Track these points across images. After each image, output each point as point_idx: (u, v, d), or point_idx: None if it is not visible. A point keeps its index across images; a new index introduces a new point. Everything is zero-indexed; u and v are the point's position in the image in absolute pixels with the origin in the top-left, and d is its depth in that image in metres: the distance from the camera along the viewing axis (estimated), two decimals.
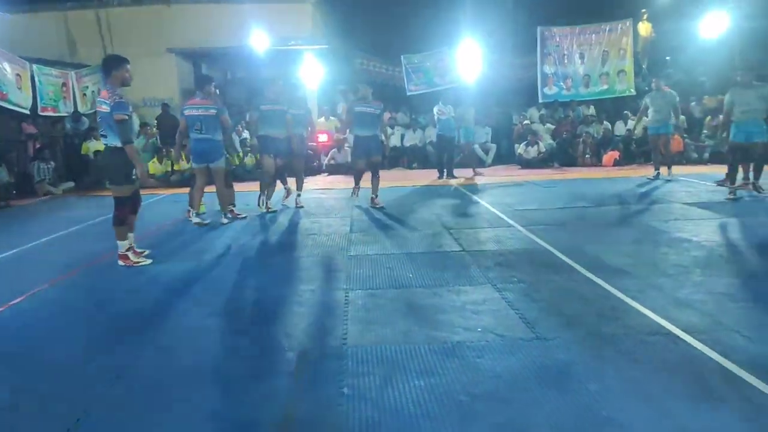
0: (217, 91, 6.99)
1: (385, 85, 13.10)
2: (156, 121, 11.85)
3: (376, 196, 7.34)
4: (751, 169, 7.09)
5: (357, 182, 7.61)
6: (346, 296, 3.78)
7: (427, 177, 10.63)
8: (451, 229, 5.78)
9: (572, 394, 2.39)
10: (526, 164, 11.81)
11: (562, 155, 12.04)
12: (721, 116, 7.50)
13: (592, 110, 13.16)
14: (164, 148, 10.94)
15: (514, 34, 14.19)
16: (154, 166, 10.66)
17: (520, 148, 12.15)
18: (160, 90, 12.64)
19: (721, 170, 7.71)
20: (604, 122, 12.64)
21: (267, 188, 7.14)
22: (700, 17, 12.82)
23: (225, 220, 6.43)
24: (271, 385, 2.59)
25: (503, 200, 7.37)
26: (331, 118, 13.15)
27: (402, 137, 13.43)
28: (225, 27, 12.66)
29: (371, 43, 14.16)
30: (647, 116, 9.10)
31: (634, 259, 4.39)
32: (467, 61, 12.62)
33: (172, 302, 3.86)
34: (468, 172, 10.58)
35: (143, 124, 11.38)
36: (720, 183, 7.77)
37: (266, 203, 7.12)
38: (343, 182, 9.71)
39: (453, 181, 10.02)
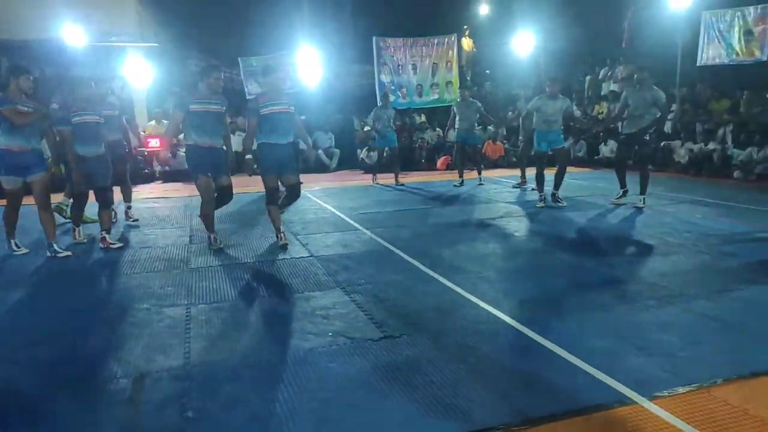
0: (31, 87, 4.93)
1: (222, 89, 12.58)
2: None
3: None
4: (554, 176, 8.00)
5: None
6: (187, 312, 3.53)
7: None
8: (298, 235, 5.74)
9: (419, 388, 2.51)
10: (369, 169, 12.19)
11: (402, 160, 12.65)
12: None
13: (423, 118, 14.06)
14: None
15: (353, 43, 14.57)
16: None
17: (362, 153, 12.52)
18: None
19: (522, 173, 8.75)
20: (437, 129, 13.58)
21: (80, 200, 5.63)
22: (512, 36, 14.43)
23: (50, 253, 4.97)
24: (104, 416, 2.32)
25: (348, 204, 7.52)
26: (164, 121, 12.26)
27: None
28: (31, 17, 11.12)
29: (206, 43, 13.51)
30: (456, 125, 9.19)
31: (467, 255, 4.76)
32: (307, 67, 12.67)
33: None
34: (313, 177, 10.60)
35: None
36: (517, 185, 8.92)
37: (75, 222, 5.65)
38: (180, 190, 9.11)
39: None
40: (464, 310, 3.48)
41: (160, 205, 7.91)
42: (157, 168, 11.43)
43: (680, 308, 3.41)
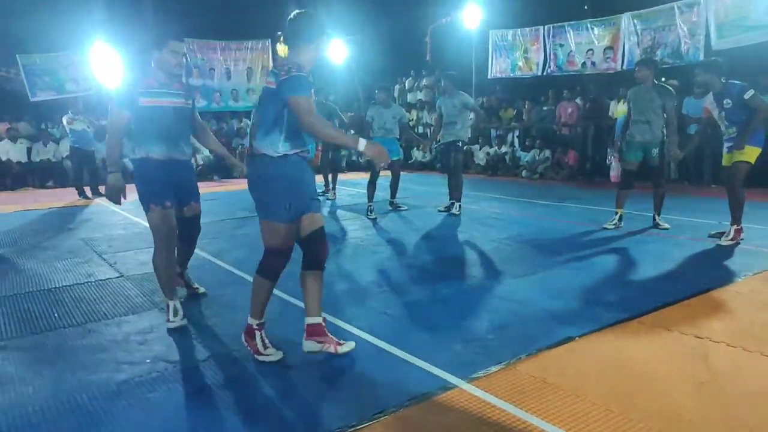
0: None
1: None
2: None
3: None
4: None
5: None
6: None
7: (66, 197, 9.21)
8: (105, 254, 5.14)
9: (251, 404, 2.41)
10: None
11: (221, 168, 12.13)
12: None
13: (243, 123, 13.65)
14: None
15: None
16: None
17: None
18: None
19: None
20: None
21: None
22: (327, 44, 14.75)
23: None
24: None
25: None
26: None
27: (29, 151, 11.31)
28: None
29: None
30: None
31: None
32: (104, 66, 11.44)
33: None
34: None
35: None
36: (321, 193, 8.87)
37: None
38: None
39: (100, 200, 8.96)
40: (291, 316, 3.45)
41: None
42: None
43: (489, 294, 3.80)
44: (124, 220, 6.92)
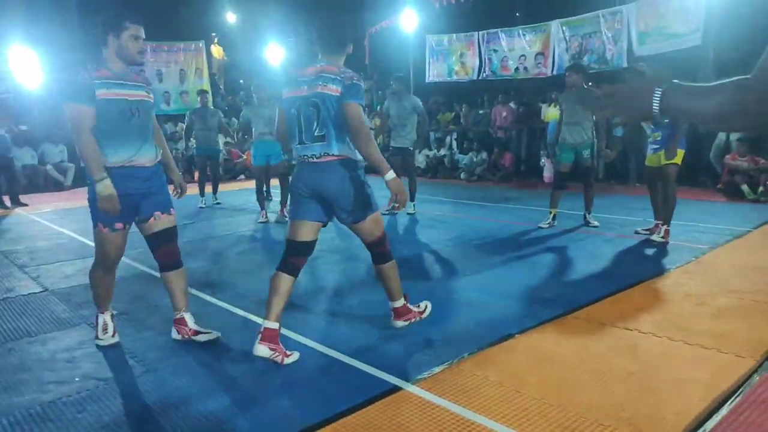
0: None
1: None
2: None
3: None
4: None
5: None
6: None
7: None
8: (26, 267, 4.82)
9: (190, 420, 2.32)
10: None
11: None
12: None
13: (177, 127, 13.19)
14: None
15: (82, 45, 12.91)
16: None
17: None
18: None
19: None
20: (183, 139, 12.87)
21: None
22: (264, 47, 14.55)
23: None
24: None
25: (89, 226, 6.57)
26: None
27: None
28: None
29: None
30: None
31: (228, 268, 4.60)
32: (23, 70, 10.78)
33: None
34: (43, 197, 9.03)
35: None
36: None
37: None
38: None
39: (20, 209, 8.41)
40: (229, 324, 3.35)
41: None
42: None
43: (432, 295, 3.84)
44: (46, 230, 6.51)
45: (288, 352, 2.79)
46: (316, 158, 2.73)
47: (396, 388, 2.50)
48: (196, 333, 3.09)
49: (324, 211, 2.85)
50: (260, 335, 2.77)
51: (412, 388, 2.50)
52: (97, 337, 3.09)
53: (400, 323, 3.15)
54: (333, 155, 2.73)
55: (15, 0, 12.22)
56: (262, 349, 2.75)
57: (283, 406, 2.43)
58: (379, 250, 2.99)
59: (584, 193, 6.10)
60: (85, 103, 2.67)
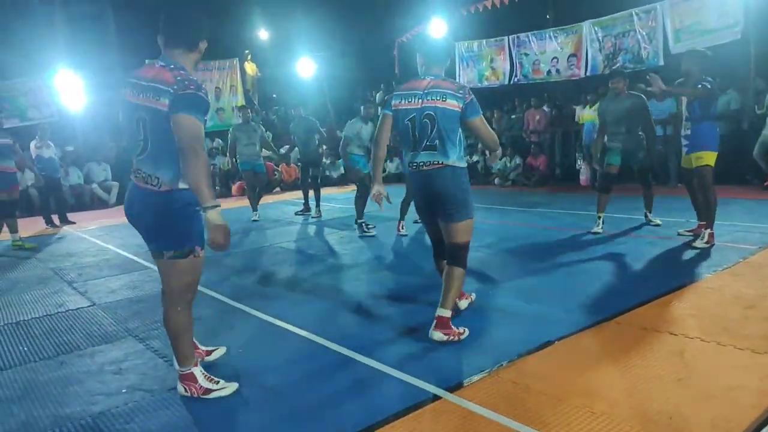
0: None
1: None
2: None
3: None
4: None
5: None
6: None
7: (33, 226, 8.97)
8: (75, 283, 5.01)
9: (237, 428, 2.36)
10: None
11: None
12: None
13: (215, 143, 13.51)
14: None
15: (121, 66, 13.42)
16: None
17: None
18: None
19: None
20: (227, 155, 13.15)
21: None
22: (296, 61, 14.80)
23: None
24: None
25: (134, 241, 6.78)
26: None
27: None
28: None
29: None
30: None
31: (270, 281, 4.67)
32: (68, 92, 11.27)
33: None
34: (89, 215, 9.37)
35: None
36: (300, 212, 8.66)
37: None
38: None
39: (68, 227, 8.76)
40: (274, 337, 3.40)
41: None
42: None
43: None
44: (93, 247, 6.75)
45: (460, 330, 3.12)
46: (427, 166, 3.12)
47: (436, 397, 2.49)
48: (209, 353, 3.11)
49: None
50: (434, 322, 3.09)
51: (451, 397, 2.48)
52: (208, 391, 2.61)
53: (437, 335, 3.08)
54: (450, 163, 3.10)
55: (59, 26, 12.81)
56: (437, 335, 3.07)
57: (326, 415, 2.44)
58: (461, 254, 3.19)
59: (643, 194, 6.07)
60: (201, 117, 2.36)
